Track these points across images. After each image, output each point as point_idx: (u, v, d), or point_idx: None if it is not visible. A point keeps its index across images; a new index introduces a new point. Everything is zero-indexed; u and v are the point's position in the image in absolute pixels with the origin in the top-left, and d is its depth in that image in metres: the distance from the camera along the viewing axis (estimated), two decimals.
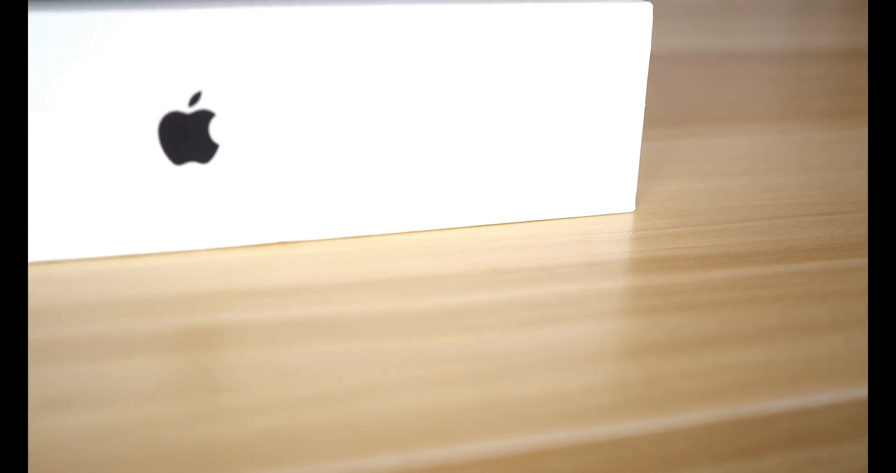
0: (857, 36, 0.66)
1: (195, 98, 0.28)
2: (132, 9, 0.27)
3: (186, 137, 0.28)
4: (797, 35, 0.66)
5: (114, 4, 0.27)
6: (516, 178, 0.32)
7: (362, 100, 0.30)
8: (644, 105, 0.33)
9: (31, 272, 0.28)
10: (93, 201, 0.28)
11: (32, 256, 0.28)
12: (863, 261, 0.31)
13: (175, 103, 0.28)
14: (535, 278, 0.29)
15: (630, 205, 0.34)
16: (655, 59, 0.57)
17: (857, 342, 0.27)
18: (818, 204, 0.36)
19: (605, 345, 0.26)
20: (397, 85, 0.30)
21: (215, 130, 0.29)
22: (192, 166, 0.29)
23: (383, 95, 0.30)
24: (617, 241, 0.32)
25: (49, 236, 0.28)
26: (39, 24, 0.26)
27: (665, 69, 0.54)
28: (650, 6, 0.32)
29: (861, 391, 0.25)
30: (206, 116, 0.28)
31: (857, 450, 0.25)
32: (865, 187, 0.38)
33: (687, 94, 0.50)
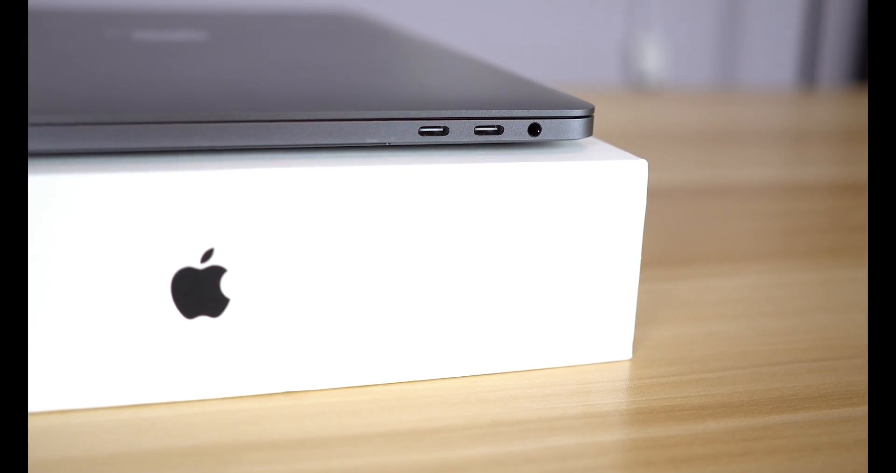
0: (853, 168, 0.67)
1: (207, 255, 0.29)
2: (145, 170, 0.29)
3: (198, 292, 0.30)
4: (792, 167, 0.68)
5: (130, 165, 0.29)
6: (515, 327, 0.33)
7: (366, 255, 0.31)
8: (640, 257, 0.34)
9: (37, 423, 0.29)
10: (101, 351, 0.29)
11: (39, 405, 0.29)
12: (854, 410, 0.32)
13: (188, 260, 0.29)
14: (534, 430, 0.30)
15: (627, 353, 0.35)
16: (648, 193, 0.58)
17: None
18: (811, 350, 0.37)
19: None
20: (400, 240, 0.31)
21: (226, 286, 0.30)
22: (202, 320, 0.30)
23: (386, 250, 0.31)
24: (614, 391, 0.33)
25: (56, 385, 0.29)
26: (60, 184, 0.28)
27: (658, 204, 0.55)
28: (645, 163, 0.33)
29: None
30: (218, 271, 0.30)
31: None
32: (858, 331, 0.38)
33: (681, 231, 0.51)
